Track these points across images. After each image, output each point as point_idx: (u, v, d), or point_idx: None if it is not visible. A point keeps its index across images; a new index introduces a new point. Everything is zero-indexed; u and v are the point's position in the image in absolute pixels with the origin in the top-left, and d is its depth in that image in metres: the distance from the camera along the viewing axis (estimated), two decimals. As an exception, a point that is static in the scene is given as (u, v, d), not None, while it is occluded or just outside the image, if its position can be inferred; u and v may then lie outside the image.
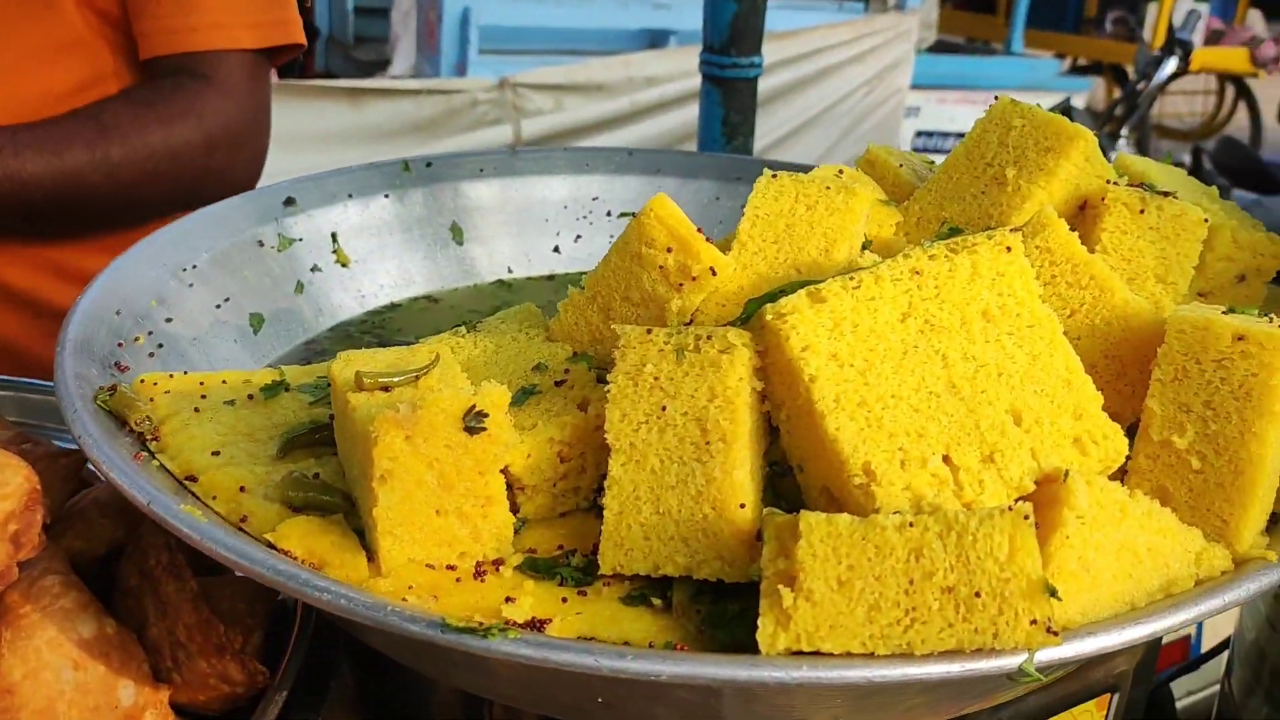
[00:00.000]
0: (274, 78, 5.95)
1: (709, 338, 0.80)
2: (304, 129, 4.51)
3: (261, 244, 1.40)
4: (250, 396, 1.01)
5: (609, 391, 0.81)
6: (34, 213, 1.54)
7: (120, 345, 1.09)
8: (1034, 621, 0.69)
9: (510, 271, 1.61)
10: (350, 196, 1.52)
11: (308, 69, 6.41)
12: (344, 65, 6.49)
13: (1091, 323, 0.91)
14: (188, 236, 1.31)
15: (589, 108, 5.06)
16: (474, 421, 0.79)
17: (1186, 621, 0.75)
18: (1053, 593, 0.69)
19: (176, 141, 1.58)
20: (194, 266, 1.28)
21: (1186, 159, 6.06)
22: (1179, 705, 1.67)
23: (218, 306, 1.29)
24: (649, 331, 0.81)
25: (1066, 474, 0.76)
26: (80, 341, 1.03)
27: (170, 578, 0.97)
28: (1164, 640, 1.74)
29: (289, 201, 1.45)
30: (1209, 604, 0.76)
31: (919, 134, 7.09)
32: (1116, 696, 1.16)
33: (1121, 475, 0.87)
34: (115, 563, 1.03)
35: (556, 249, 1.64)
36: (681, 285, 0.88)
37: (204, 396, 1.00)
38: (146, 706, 0.92)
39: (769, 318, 0.79)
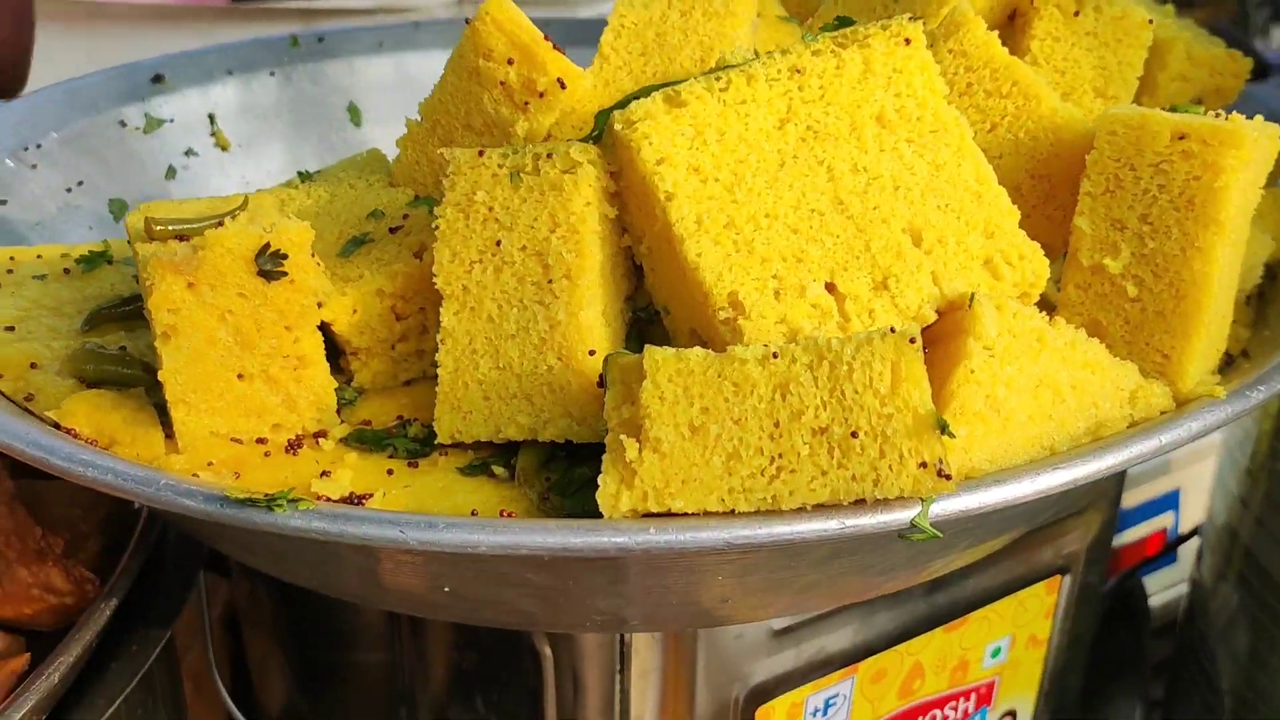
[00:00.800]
0: (223, 0, 5.75)
1: (550, 156, 0.68)
2: (252, 51, 4.33)
3: (124, 124, 1.26)
4: (66, 270, 0.89)
5: (436, 227, 0.69)
6: None
7: (-70, 225, 0.96)
8: (923, 464, 0.57)
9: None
10: (230, 73, 1.38)
11: (264, -6, 6.19)
12: (302, -10, 6.26)
13: (1015, 137, 0.78)
14: (32, 115, 1.17)
15: (558, 8, 4.86)
16: (270, 264, 0.66)
17: (1114, 467, 0.63)
18: (944, 429, 0.57)
19: None
20: (38, 146, 1.15)
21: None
22: (1157, 602, 1.58)
23: (68, 190, 1.16)
24: (481, 153, 0.69)
25: (972, 297, 0.64)
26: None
27: (-19, 478, 0.85)
28: (1140, 534, 1.64)
29: (157, 79, 1.31)
30: (1140, 446, 0.64)
31: None
32: (1068, 578, 1.05)
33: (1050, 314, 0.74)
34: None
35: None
36: (528, 104, 0.74)
37: (10, 271, 0.88)
38: (-44, 619, 0.81)
39: (618, 127, 0.66)
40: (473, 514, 0.64)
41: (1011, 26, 0.88)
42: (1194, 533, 1.45)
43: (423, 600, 0.74)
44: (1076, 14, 0.84)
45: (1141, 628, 1.45)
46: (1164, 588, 1.64)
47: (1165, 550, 1.53)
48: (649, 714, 0.88)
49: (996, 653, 1.04)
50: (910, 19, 0.70)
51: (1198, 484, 1.63)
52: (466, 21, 0.75)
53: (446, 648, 1.08)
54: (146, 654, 0.89)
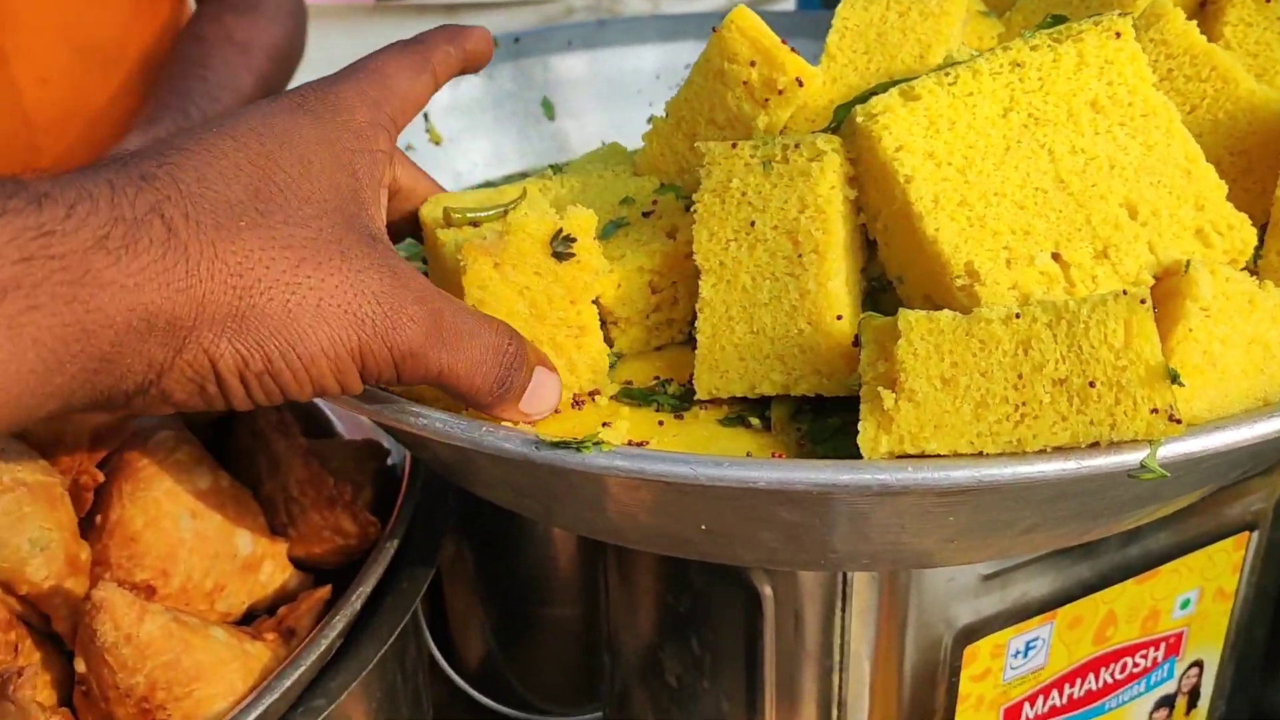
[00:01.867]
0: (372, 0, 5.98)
1: (797, 147, 0.77)
2: (404, 49, 4.52)
3: (352, 127, 1.40)
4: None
5: (695, 210, 0.79)
6: None
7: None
8: (1155, 410, 0.64)
9: (603, 145, 1.58)
10: (439, 76, 1.51)
11: (405, -8, 6.41)
12: (441, -14, 6.48)
13: (1214, 117, 0.84)
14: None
15: (688, 2, 4.95)
16: (562, 246, 0.77)
17: (1326, 413, 0.69)
18: (1174, 378, 0.65)
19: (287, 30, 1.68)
20: (286, 149, 1.29)
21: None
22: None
23: (316, 185, 1.30)
24: (734, 145, 0.78)
25: (1188, 264, 0.71)
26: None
27: (279, 435, 0.99)
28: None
29: (379, 82, 1.45)
30: (1350, 395, 0.70)
31: None
32: (1255, 535, 1.11)
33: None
34: (230, 428, 1.05)
35: (650, 120, 1.60)
36: (768, 100, 0.84)
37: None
38: (265, 556, 0.95)
39: (860, 119, 0.75)
40: (747, 455, 0.74)
41: (1204, 13, 0.94)
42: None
43: (677, 538, 0.84)
44: (1268, 1, 0.90)
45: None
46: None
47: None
48: (866, 650, 0.97)
49: (1185, 604, 1.10)
50: (1120, 14, 0.77)
51: None
52: (713, 29, 0.84)
53: (657, 593, 1.18)
54: (416, 590, 1.01)
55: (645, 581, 1.19)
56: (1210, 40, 0.91)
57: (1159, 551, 1.06)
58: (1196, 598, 1.11)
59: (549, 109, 1.57)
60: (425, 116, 1.47)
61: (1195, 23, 0.86)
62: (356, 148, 0.69)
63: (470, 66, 0.83)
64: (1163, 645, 1.10)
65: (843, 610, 0.95)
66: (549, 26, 1.59)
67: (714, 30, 0.84)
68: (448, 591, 1.55)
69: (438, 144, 1.47)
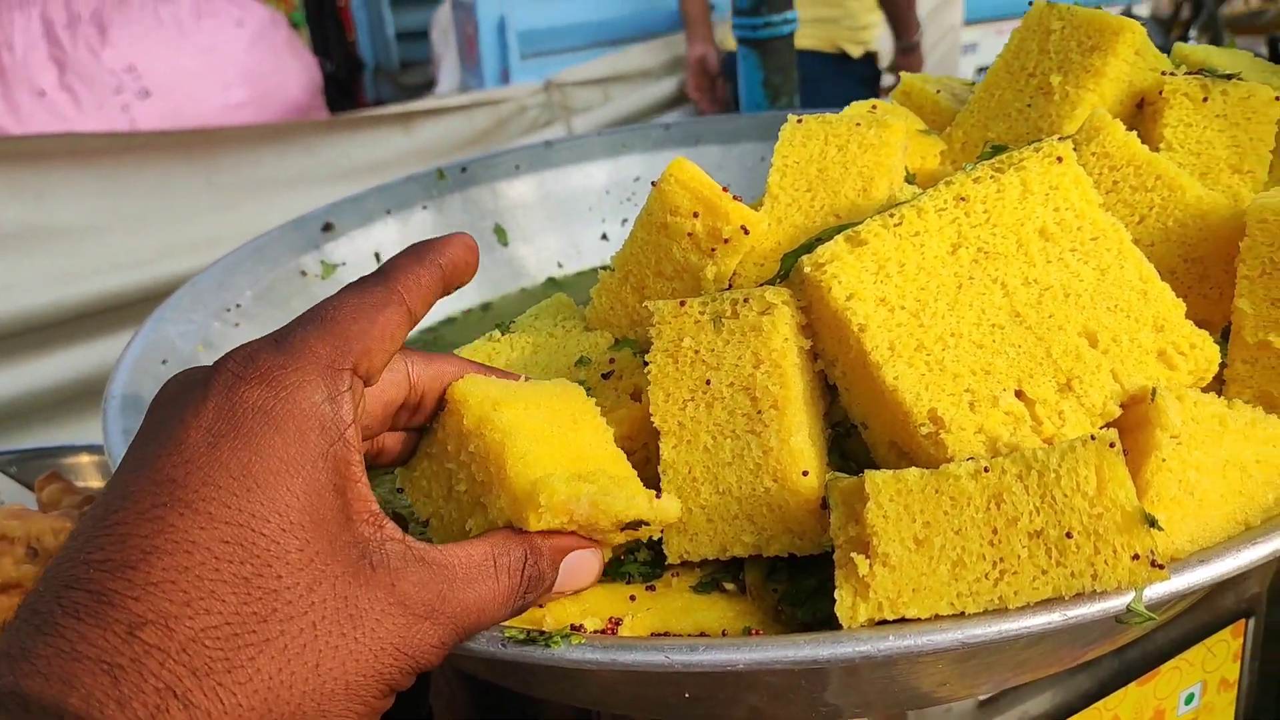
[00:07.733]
0: (325, 113, 6.01)
1: (746, 301, 0.75)
2: (358, 160, 4.53)
3: (305, 274, 1.38)
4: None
5: (649, 372, 0.77)
6: None
7: (169, 395, 1.07)
8: (1136, 557, 0.63)
9: (560, 266, 1.58)
10: (389, 213, 1.50)
11: (358, 101, 6.47)
12: (393, 92, 6.54)
13: (1164, 226, 0.83)
14: (228, 276, 1.30)
15: (636, 95, 5.01)
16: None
17: (1311, 535, 0.67)
18: (1152, 523, 0.63)
19: None
20: (238, 306, 1.27)
21: (1263, 50, 5.75)
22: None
23: (268, 343, 1.28)
24: (682, 304, 0.77)
25: (1154, 392, 0.70)
26: (127, 397, 1.02)
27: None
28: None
29: (327, 227, 1.44)
30: (1334, 512, 0.68)
31: (980, 70, 6.85)
32: (1252, 621, 1.08)
33: (1220, 387, 0.79)
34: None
35: (604, 236, 1.60)
36: (714, 250, 0.82)
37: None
38: None
39: (807, 270, 0.73)
40: (722, 634, 0.71)
41: (1140, 114, 0.94)
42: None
43: (662, 704, 0.81)
44: (1205, 99, 0.90)
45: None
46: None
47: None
48: (867, 788, 0.94)
49: (1190, 699, 1.07)
50: (1059, 139, 0.76)
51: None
52: (653, 184, 0.83)
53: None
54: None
55: (639, 721, 1.15)
56: (1152, 141, 0.91)
57: (1158, 651, 1.03)
58: (1200, 691, 1.08)
59: (502, 235, 1.56)
60: (377, 257, 1.46)
61: (1136, 133, 0.85)
62: (324, 446, 0.62)
63: (454, 279, 0.73)
64: (1172, 746, 1.07)
65: (840, 751, 0.91)
66: (495, 152, 1.59)
67: (654, 185, 0.83)
68: (439, 730, 1.50)
69: (392, 283, 1.45)
